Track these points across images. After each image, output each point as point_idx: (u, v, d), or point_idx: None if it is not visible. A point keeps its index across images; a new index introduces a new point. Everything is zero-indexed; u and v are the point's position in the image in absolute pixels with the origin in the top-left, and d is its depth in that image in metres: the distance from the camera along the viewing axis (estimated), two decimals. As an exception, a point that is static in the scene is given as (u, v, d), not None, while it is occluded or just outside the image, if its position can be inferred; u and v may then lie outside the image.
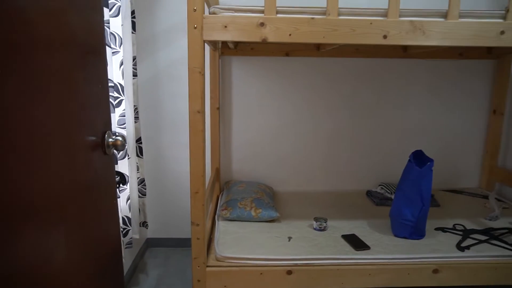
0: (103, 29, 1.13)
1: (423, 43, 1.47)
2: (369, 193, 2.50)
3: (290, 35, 1.45)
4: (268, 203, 2.11)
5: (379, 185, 2.54)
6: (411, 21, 1.46)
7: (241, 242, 1.78)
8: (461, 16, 1.50)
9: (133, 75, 1.95)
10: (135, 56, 1.96)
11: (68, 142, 0.90)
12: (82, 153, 0.98)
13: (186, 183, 2.59)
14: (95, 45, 1.07)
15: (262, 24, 1.43)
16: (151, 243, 2.66)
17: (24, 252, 0.73)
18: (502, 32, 1.48)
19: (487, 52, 2.49)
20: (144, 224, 2.27)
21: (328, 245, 1.79)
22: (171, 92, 2.46)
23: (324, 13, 1.47)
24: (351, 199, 2.45)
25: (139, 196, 2.20)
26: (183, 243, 2.66)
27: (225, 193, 2.36)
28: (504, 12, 1.50)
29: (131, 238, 2.02)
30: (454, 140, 2.64)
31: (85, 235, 1.00)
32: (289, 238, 1.85)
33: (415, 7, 2.15)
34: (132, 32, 1.91)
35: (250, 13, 1.46)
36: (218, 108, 2.45)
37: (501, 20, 1.49)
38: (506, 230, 1.94)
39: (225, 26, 1.43)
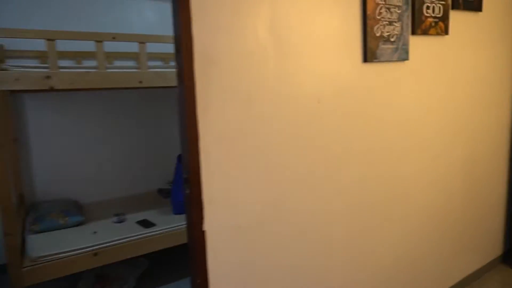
0: None
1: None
2: (159, 190, 3.28)
3: (72, 83, 2.05)
4: (74, 211, 2.60)
5: (167, 182, 3.36)
6: (155, 71, 2.30)
7: (51, 244, 2.22)
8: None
9: None
10: None
11: None
12: None
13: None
14: None
15: (48, 77, 1.98)
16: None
17: None
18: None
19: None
20: None
21: (127, 229, 2.45)
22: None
23: (96, 68, 2.13)
24: (146, 198, 3.17)
25: None
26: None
27: (32, 212, 2.67)
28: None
29: None
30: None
31: None
32: (95, 232, 2.41)
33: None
34: None
35: (37, 69, 1.99)
36: (16, 140, 2.73)
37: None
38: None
39: (17, 79, 1.91)
